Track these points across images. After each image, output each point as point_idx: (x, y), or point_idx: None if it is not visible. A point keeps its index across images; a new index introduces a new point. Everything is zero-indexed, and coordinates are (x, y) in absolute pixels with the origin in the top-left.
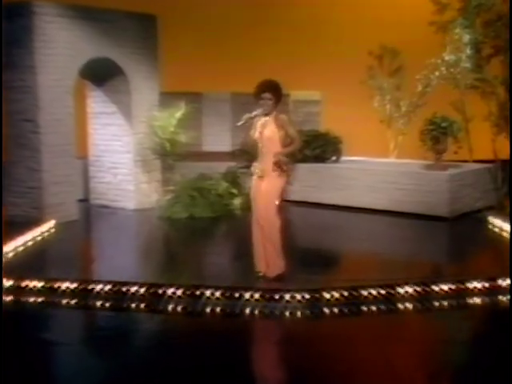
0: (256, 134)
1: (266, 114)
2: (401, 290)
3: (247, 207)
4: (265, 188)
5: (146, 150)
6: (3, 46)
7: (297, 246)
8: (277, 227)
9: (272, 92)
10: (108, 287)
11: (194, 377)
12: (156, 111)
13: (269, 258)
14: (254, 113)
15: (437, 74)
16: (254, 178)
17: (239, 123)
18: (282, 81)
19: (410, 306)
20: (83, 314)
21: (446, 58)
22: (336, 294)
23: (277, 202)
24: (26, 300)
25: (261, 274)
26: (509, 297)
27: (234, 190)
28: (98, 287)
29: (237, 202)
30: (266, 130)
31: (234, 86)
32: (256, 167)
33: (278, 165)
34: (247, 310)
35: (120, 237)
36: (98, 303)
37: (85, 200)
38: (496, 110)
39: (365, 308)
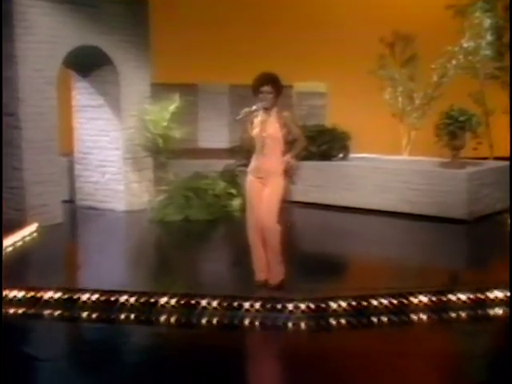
0: (254, 132)
1: (266, 109)
2: (414, 300)
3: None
4: (268, 191)
5: (136, 147)
6: None
7: (300, 252)
8: (279, 232)
9: (272, 85)
10: (95, 296)
11: None
12: (147, 104)
13: (271, 265)
14: (254, 107)
15: (454, 62)
16: (251, 178)
17: (238, 117)
18: (284, 71)
19: (424, 317)
20: (68, 327)
21: (465, 44)
22: (343, 304)
23: (279, 206)
24: (5, 311)
25: (261, 282)
26: None
27: (233, 190)
28: (84, 297)
29: (235, 203)
30: (269, 128)
31: (232, 77)
32: (256, 167)
33: (287, 170)
34: (246, 321)
35: (108, 241)
36: (84, 314)
37: (70, 201)
38: None
39: (375, 319)
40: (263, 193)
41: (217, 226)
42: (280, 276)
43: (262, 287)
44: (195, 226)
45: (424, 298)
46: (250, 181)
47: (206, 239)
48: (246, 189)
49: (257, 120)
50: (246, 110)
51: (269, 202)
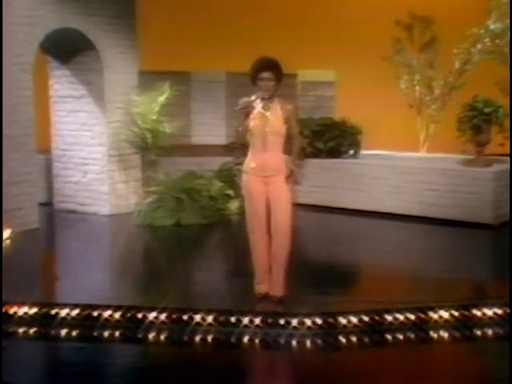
0: (253, 124)
1: (267, 98)
2: (434, 315)
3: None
4: (278, 191)
5: (122, 143)
6: None
7: (306, 260)
8: (290, 238)
9: (272, 71)
10: (75, 312)
11: None
12: (134, 95)
13: (274, 276)
14: (254, 96)
15: (479, 47)
16: (252, 177)
17: (236, 109)
18: (288, 57)
19: (445, 334)
20: (45, 346)
21: (491, 26)
22: (354, 320)
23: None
24: None
25: (262, 295)
26: None
27: (230, 192)
28: (63, 312)
29: (233, 205)
30: (272, 121)
31: (229, 63)
32: (260, 166)
33: (291, 176)
34: (245, 339)
35: (91, 249)
36: (63, 332)
37: (48, 204)
38: None
39: (389, 336)
40: (270, 194)
41: (212, 232)
42: (283, 289)
43: (263, 300)
44: (188, 232)
45: (445, 313)
46: (251, 180)
47: (201, 246)
48: (246, 190)
49: (256, 111)
50: (246, 99)
51: (283, 204)
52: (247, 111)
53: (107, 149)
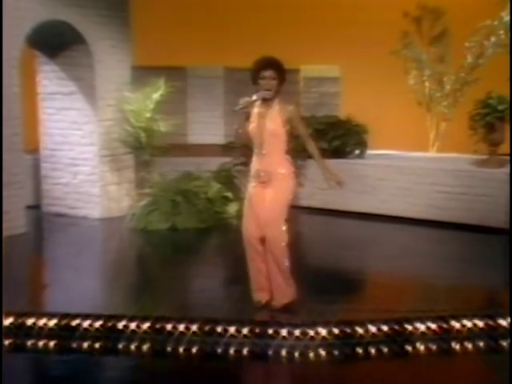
0: (251, 126)
1: (267, 99)
2: (445, 325)
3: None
4: (271, 194)
5: (114, 142)
6: None
7: (309, 266)
8: (285, 243)
9: (275, 69)
10: (53, 322)
11: None
12: (127, 91)
13: (275, 283)
14: (255, 96)
15: (492, 39)
16: (254, 185)
17: (236, 108)
18: (290, 52)
19: (469, 345)
20: (19, 360)
21: (505, 18)
22: (360, 330)
23: (285, 212)
24: None
25: (261, 303)
26: None
27: (229, 194)
28: (41, 322)
29: (232, 208)
30: (269, 123)
31: (228, 58)
32: (256, 171)
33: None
34: (245, 351)
35: (81, 255)
36: (41, 343)
37: (35, 207)
38: None
39: (409, 347)
40: (266, 198)
41: (210, 236)
42: (286, 297)
43: (263, 309)
44: (184, 236)
45: (456, 324)
46: (251, 186)
47: (197, 252)
48: (247, 195)
49: (255, 112)
50: (247, 99)
51: (273, 208)
52: (248, 112)
53: (98, 148)
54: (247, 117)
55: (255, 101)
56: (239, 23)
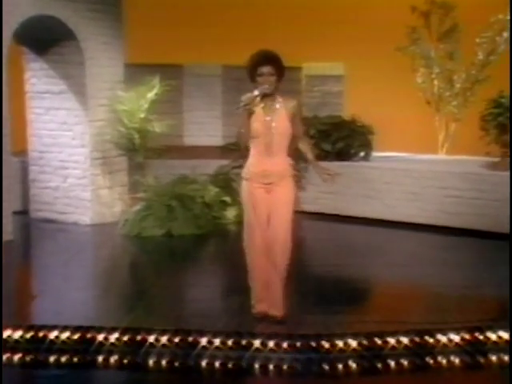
0: (256, 125)
1: (268, 95)
2: (455, 337)
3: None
4: (279, 198)
5: (106, 144)
6: None
7: (312, 275)
8: (289, 251)
9: (273, 64)
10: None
11: None
12: (120, 90)
13: (275, 293)
14: (257, 92)
15: (505, 35)
16: (254, 185)
17: (238, 107)
18: (291, 49)
19: (456, 360)
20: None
21: None
22: (365, 342)
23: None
24: None
25: (262, 314)
26: None
27: (227, 198)
28: (50, 335)
29: (230, 213)
30: (278, 121)
31: (226, 55)
32: (262, 172)
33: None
34: (244, 364)
35: (71, 263)
36: (42, 357)
37: (23, 212)
38: None
39: (405, 361)
40: (271, 202)
41: (207, 243)
42: (283, 308)
43: (263, 320)
44: (180, 243)
45: (467, 335)
46: (253, 189)
47: (194, 259)
48: (246, 198)
49: (258, 110)
50: (248, 95)
51: (282, 213)
52: (250, 110)
53: (90, 150)
54: (249, 114)
55: (258, 96)
56: (238, 19)
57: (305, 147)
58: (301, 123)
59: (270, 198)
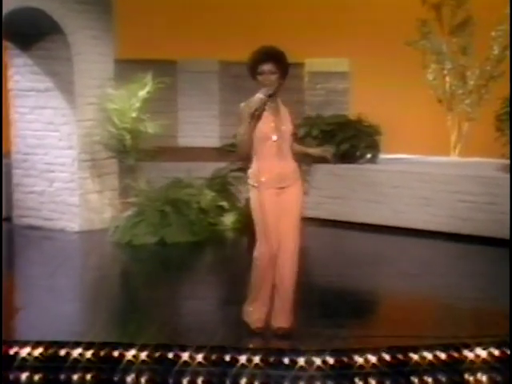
0: (267, 128)
1: (271, 96)
2: (470, 354)
3: (243, 227)
4: (289, 204)
5: (95, 145)
6: None
7: (316, 286)
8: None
9: (275, 62)
10: (38, 351)
11: None
12: (110, 88)
13: (280, 304)
14: (262, 95)
15: None
16: (269, 191)
17: (252, 109)
18: (293, 43)
19: (483, 377)
20: None
21: None
22: (373, 358)
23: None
24: None
25: (261, 328)
26: None
27: (224, 203)
28: (24, 352)
29: (228, 219)
30: (285, 123)
31: (223, 50)
32: (278, 176)
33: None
34: (242, 381)
35: (58, 274)
36: (24, 376)
37: (6, 219)
38: None
39: (416, 379)
40: (281, 206)
41: (203, 251)
42: (289, 321)
43: (262, 334)
44: (174, 252)
45: (482, 352)
46: (265, 195)
47: (189, 269)
48: (259, 207)
49: (266, 112)
50: (260, 96)
51: (294, 218)
52: (259, 113)
53: (78, 152)
54: (257, 119)
55: (265, 99)
56: (236, 10)
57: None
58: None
59: (281, 201)
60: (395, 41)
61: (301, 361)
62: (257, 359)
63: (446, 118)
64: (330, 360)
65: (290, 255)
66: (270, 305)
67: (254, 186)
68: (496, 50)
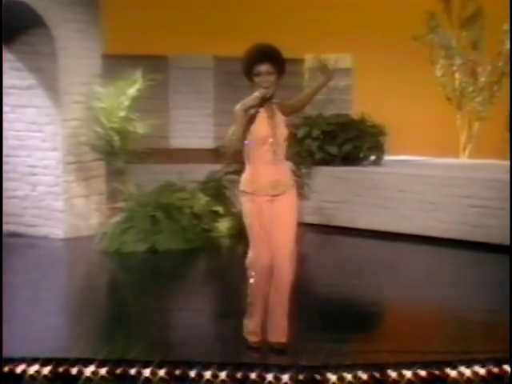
0: (263, 131)
1: (268, 98)
2: (480, 370)
3: (238, 234)
4: (285, 212)
5: (82, 147)
6: None
7: (316, 297)
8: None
9: (272, 62)
10: (21, 368)
11: None
12: (97, 85)
13: (275, 318)
14: (259, 93)
15: None
16: (262, 199)
17: (246, 106)
18: (292, 38)
19: None
20: None
21: None
22: (377, 375)
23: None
24: None
25: (258, 343)
26: None
27: (219, 208)
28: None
29: (222, 225)
30: (281, 126)
31: (218, 45)
32: (270, 183)
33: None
34: None
35: (42, 283)
36: None
37: None
38: None
39: None
40: (275, 213)
41: (196, 260)
42: (286, 335)
43: (259, 349)
44: (165, 260)
45: (495, 368)
46: (258, 203)
47: (181, 279)
48: (251, 216)
49: (262, 115)
50: (257, 95)
51: (290, 226)
52: (253, 113)
53: (63, 154)
54: (251, 119)
55: (262, 100)
56: (232, 4)
57: (307, 90)
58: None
59: (275, 209)
60: (401, 35)
61: (301, 377)
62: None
63: (455, 117)
64: (333, 377)
65: (286, 266)
66: (265, 317)
67: (246, 193)
68: (508, 45)
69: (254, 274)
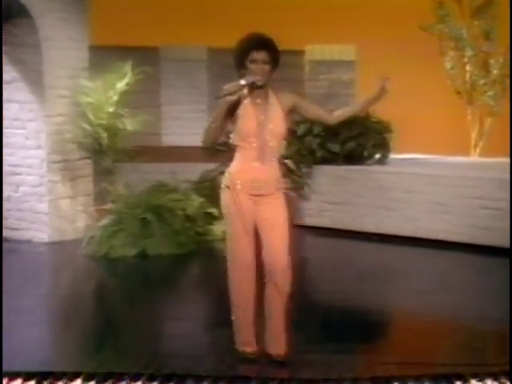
0: (245, 124)
1: (260, 87)
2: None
3: None
4: (275, 215)
5: (67, 145)
6: None
7: (317, 304)
8: (291, 276)
9: (269, 51)
10: None
11: None
12: (84, 79)
13: (274, 327)
14: (244, 82)
15: None
16: (241, 196)
17: (219, 97)
18: (291, 29)
19: None
20: None
21: None
22: None
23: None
24: None
25: (251, 354)
26: None
27: (213, 210)
28: None
29: (217, 228)
30: (272, 120)
31: (212, 36)
32: (252, 180)
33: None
34: None
35: (25, 290)
36: None
37: None
38: None
39: None
40: (262, 217)
41: (189, 265)
42: (285, 345)
43: (256, 361)
44: (157, 265)
45: (494, 383)
46: (238, 201)
47: (173, 285)
48: (230, 211)
49: (249, 106)
50: (232, 84)
51: (278, 235)
52: (234, 101)
53: (47, 153)
54: (230, 108)
55: (245, 87)
56: None
57: (340, 112)
58: (310, 103)
59: (260, 211)
60: (408, 25)
61: None
62: None
63: (465, 112)
64: None
65: (281, 273)
66: (257, 323)
67: (227, 187)
68: None
69: (233, 274)
